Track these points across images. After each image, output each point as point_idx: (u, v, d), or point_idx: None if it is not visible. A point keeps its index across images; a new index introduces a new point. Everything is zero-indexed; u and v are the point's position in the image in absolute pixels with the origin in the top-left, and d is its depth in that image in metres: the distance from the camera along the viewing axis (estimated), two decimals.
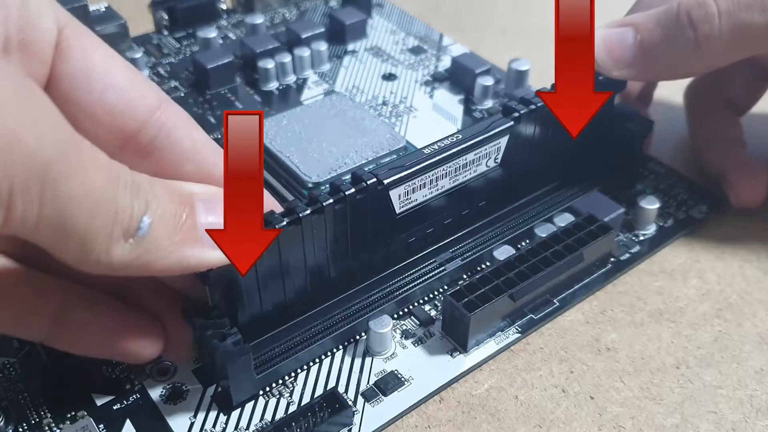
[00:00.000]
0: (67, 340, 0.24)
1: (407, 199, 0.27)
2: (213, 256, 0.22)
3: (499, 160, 0.30)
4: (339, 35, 0.44)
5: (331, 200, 0.25)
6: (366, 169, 0.33)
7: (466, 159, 0.28)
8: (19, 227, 0.17)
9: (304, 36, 0.42)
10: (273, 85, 0.41)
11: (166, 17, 0.45)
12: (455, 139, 0.28)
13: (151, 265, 0.20)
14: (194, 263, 0.21)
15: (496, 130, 0.29)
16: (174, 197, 0.21)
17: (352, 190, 0.26)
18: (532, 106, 0.29)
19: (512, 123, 0.29)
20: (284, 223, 0.24)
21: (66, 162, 0.17)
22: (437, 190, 0.28)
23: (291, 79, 0.41)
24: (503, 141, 0.29)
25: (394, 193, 0.27)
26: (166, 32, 0.46)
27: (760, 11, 0.27)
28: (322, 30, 0.43)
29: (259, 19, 0.45)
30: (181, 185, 0.22)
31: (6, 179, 0.16)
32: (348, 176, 0.33)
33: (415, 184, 0.27)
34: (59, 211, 0.17)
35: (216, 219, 0.22)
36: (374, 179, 0.26)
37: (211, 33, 0.43)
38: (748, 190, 0.33)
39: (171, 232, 0.21)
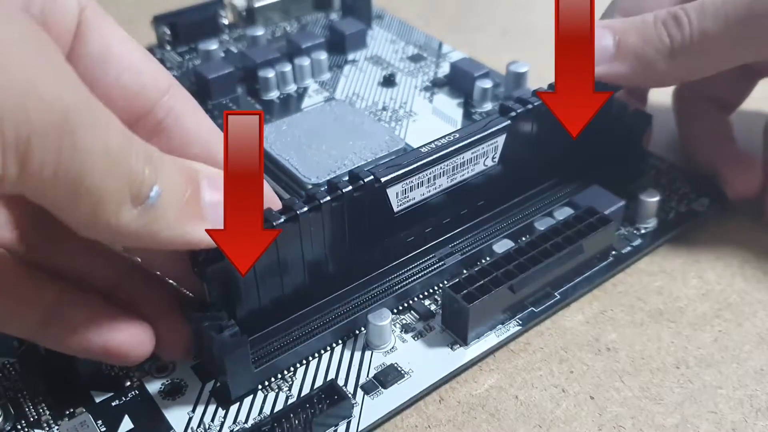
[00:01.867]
0: (57, 338, 0.24)
1: (405, 198, 0.28)
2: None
3: (497, 159, 0.30)
4: (339, 45, 0.45)
5: (328, 198, 0.25)
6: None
7: (463, 158, 0.28)
8: (35, 181, 0.17)
9: (304, 46, 0.43)
10: (274, 95, 0.41)
11: (169, 32, 0.46)
12: (452, 138, 0.28)
13: (156, 236, 0.20)
14: (196, 239, 0.22)
15: (493, 129, 0.29)
16: (182, 172, 0.21)
17: (350, 187, 0.26)
18: (529, 105, 0.29)
19: (509, 122, 0.29)
20: (282, 220, 0.24)
21: (85, 114, 0.17)
22: (435, 188, 0.28)
23: (291, 88, 0.42)
24: (500, 140, 0.29)
25: (391, 191, 0.27)
26: (168, 47, 0.46)
27: (722, 21, 0.28)
28: (322, 40, 0.44)
29: (260, 32, 0.45)
30: (187, 162, 0.22)
31: (24, 126, 0.16)
32: (347, 178, 0.33)
33: (412, 182, 0.27)
34: (76, 165, 0.17)
35: (218, 197, 0.22)
36: (371, 177, 0.26)
37: (212, 46, 0.44)
38: (743, 182, 0.33)
39: (178, 204, 0.21)
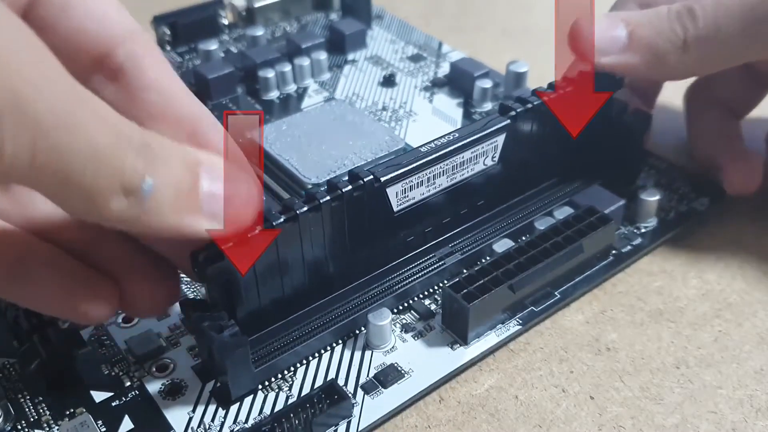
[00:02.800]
0: (19, 292, 0.23)
1: (405, 197, 0.28)
2: (210, 227, 0.22)
3: (497, 159, 0.30)
4: (339, 45, 0.45)
5: (328, 197, 0.25)
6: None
7: (463, 157, 0.28)
8: (15, 172, 0.17)
9: (304, 46, 0.43)
10: (274, 95, 0.41)
11: (168, 32, 0.46)
12: (452, 137, 0.28)
13: (149, 225, 0.20)
14: (190, 231, 0.21)
15: (493, 128, 0.29)
16: (182, 163, 0.21)
17: (349, 187, 0.26)
18: (529, 105, 0.29)
19: (508, 121, 0.29)
20: (282, 220, 0.24)
21: (66, 118, 0.17)
22: (435, 188, 0.28)
23: (291, 88, 0.42)
24: (500, 139, 0.29)
25: (391, 191, 0.27)
26: (168, 47, 0.46)
27: (737, 16, 0.28)
28: (322, 40, 0.44)
29: (259, 32, 0.45)
30: (189, 151, 0.22)
31: None
32: (347, 178, 0.33)
33: (412, 181, 0.27)
34: (56, 163, 0.17)
35: (218, 188, 0.22)
36: (371, 176, 0.26)
37: (212, 46, 0.44)
38: (742, 178, 0.33)
39: (173, 196, 0.20)
